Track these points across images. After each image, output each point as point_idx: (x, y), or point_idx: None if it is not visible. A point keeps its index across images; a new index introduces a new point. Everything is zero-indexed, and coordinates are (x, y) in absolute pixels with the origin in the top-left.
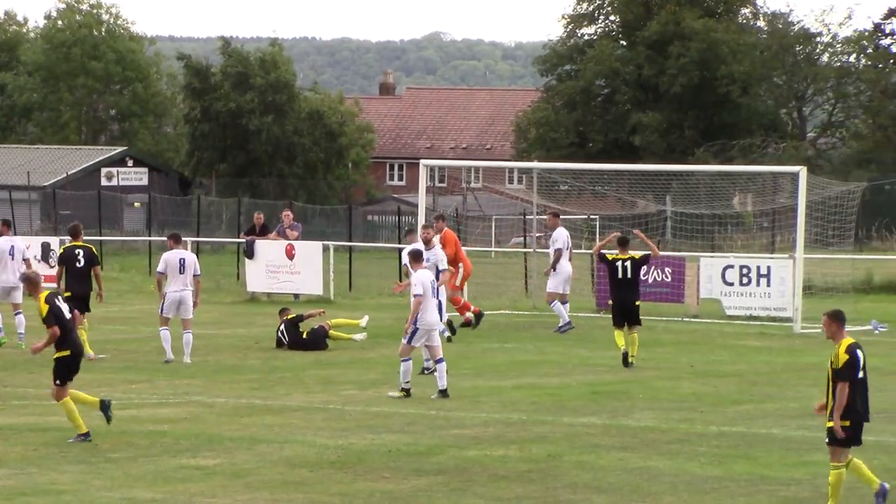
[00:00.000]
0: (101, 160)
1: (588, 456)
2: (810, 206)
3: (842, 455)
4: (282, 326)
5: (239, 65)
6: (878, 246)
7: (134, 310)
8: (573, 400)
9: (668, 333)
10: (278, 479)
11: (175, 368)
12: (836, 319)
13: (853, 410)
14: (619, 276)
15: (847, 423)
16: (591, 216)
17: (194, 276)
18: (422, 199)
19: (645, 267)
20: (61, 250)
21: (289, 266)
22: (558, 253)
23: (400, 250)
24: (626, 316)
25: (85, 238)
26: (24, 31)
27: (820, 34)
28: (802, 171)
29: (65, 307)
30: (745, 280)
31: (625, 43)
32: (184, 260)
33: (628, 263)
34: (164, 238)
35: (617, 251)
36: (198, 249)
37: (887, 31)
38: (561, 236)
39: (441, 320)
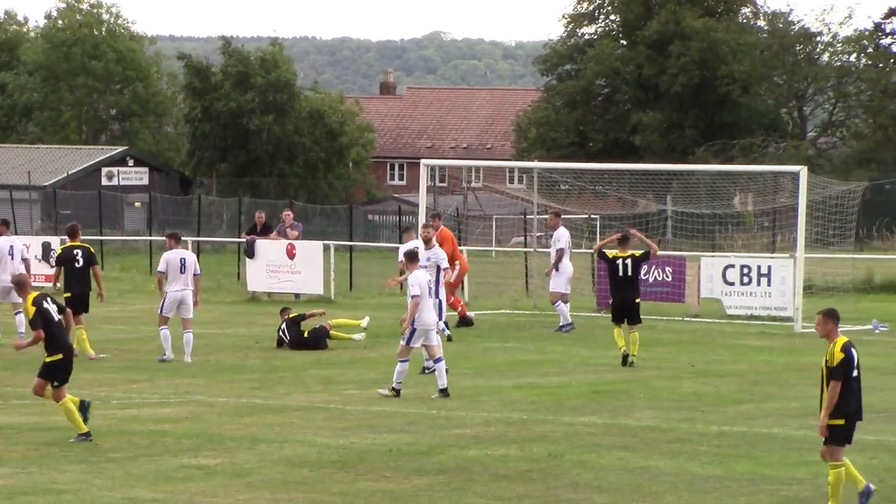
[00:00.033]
0: (102, 160)
1: (589, 455)
2: (811, 205)
3: (840, 454)
4: (283, 325)
5: (239, 64)
6: (879, 245)
7: (135, 309)
8: (574, 399)
9: (668, 333)
10: (279, 479)
11: (176, 368)
12: (831, 318)
13: (848, 409)
14: (620, 273)
15: (842, 422)
16: (592, 216)
17: (194, 275)
18: (422, 199)
19: (645, 266)
20: (59, 251)
21: (289, 266)
22: (560, 253)
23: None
24: (626, 314)
25: (86, 238)
26: (25, 30)
27: (820, 34)
28: (803, 170)
29: (53, 309)
30: (745, 279)
31: (625, 42)
32: (184, 259)
33: (629, 261)
34: (165, 238)
35: (617, 250)
36: (198, 249)
37: (887, 31)
38: (563, 236)
39: (441, 320)
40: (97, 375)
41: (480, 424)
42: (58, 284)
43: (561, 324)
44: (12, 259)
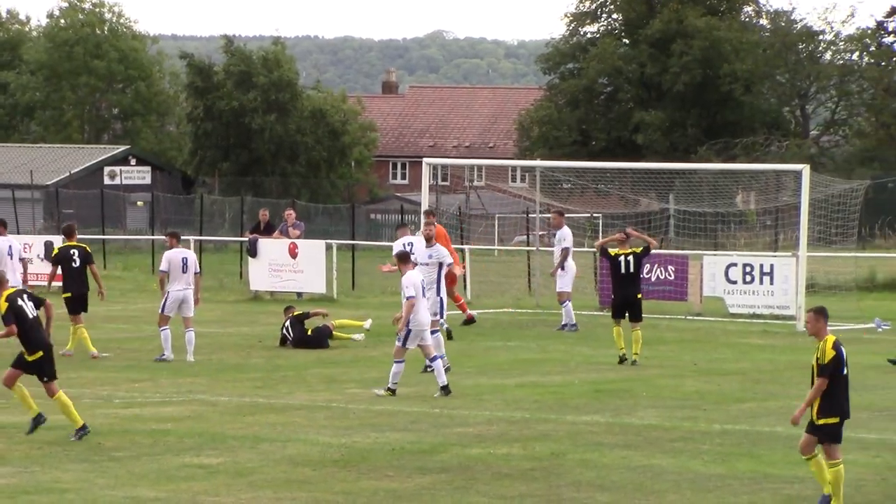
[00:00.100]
0: (104, 159)
1: (591, 454)
2: (813, 204)
3: (838, 452)
4: (287, 323)
5: (242, 63)
6: (882, 244)
7: (137, 308)
8: (576, 398)
9: (671, 331)
10: (282, 478)
11: (178, 367)
12: (823, 316)
13: (841, 408)
14: (622, 270)
15: (836, 420)
16: (594, 214)
17: (195, 274)
18: (425, 198)
19: (646, 263)
20: (56, 250)
21: (292, 265)
22: (566, 252)
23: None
24: (628, 309)
25: (88, 237)
26: (27, 29)
27: (823, 32)
28: (805, 169)
29: (29, 306)
30: (748, 278)
31: (627, 41)
32: (186, 259)
33: (630, 258)
34: (165, 237)
35: (618, 248)
36: (201, 248)
37: (890, 29)
38: (568, 235)
39: (442, 318)
40: (100, 374)
41: (483, 423)
42: (53, 283)
43: (564, 322)
44: (11, 259)
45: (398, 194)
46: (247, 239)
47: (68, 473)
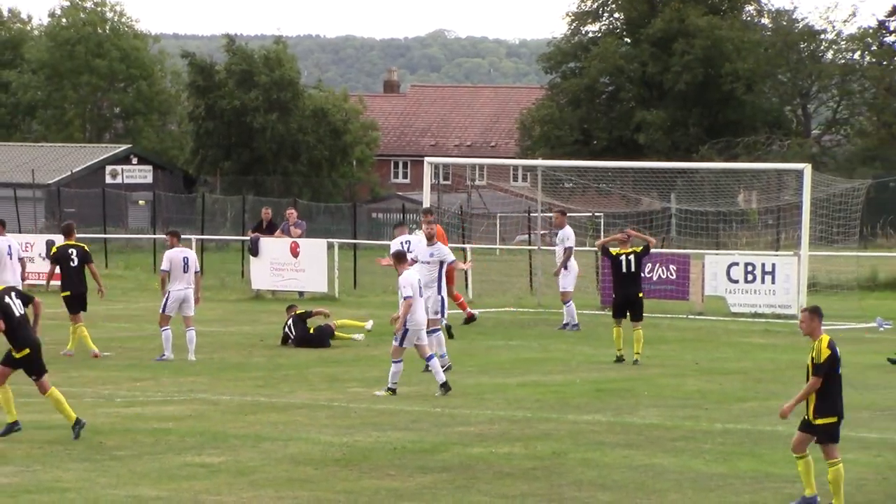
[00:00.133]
0: (106, 158)
1: (593, 453)
2: (815, 203)
3: (836, 451)
4: (289, 321)
5: (243, 62)
6: (883, 243)
7: (138, 307)
8: (578, 397)
9: (672, 331)
10: (283, 477)
11: (179, 366)
12: (817, 315)
13: (837, 407)
14: (624, 270)
15: (835, 420)
16: (596, 214)
17: (195, 273)
18: (426, 197)
19: (648, 262)
20: (54, 249)
21: (293, 263)
22: (570, 251)
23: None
24: (629, 309)
25: (90, 236)
26: (29, 28)
27: (824, 31)
28: (807, 168)
29: (17, 304)
30: (749, 277)
31: (629, 40)
32: (187, 258)
33: (632, 257)
34: (166, 236)
35: (619, 247)
36: (202, 247)
37: (892, 28)
38: (571, 234)
39: (443, 316)
40: (101, 373)
41: (484, 422)
42: (51, 282)
43: (565, 322)
44: (11, 259)
45: (400, 193)
46: (248, 238)
47: (70, 472)
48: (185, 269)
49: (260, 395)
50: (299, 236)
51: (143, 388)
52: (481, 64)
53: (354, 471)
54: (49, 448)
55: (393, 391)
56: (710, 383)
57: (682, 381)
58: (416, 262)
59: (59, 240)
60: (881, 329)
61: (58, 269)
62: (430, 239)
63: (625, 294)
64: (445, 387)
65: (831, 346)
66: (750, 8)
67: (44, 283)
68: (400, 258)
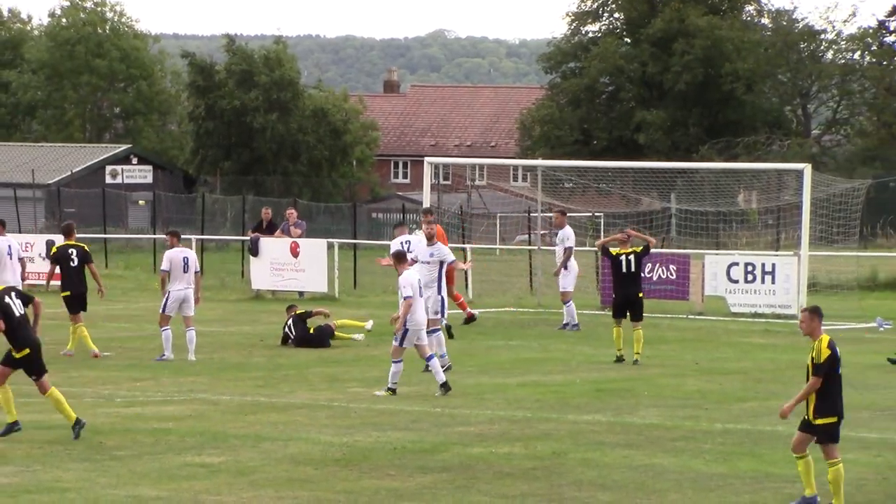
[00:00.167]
0: (106, 158)
1: (593, 453)
2: (815, 203)
3: (836, 451)
4: (289, 321)
5: (243, 62)
6: (883, 243)
7: (139, 307)
8: (578, 397)
9: (672, 331)
10: (283, 477)
11: (179, 366)
12: (817, 315)
13: (837, 407)
14: (624, 269)
15: (835, 420)
16: (596, 214)
17: (195, 273)
18: (426, 197)
19: (648, 262)
20: (54, 249)
21: (293, 264)
22: (570, 251)
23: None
24: (629, 309)
25: (90, 236)
26: (29, 28)
27: (824, 31)
28: (807, 168)
29: (17, 304)
30: (749, 277)
31: (629, 40)
32: (187, 258)
33: (632, 257)
34: (166, 236)
35: (619, 247)
36: (202, 247)
37: (892, 28)
38: (571, 234)
39: (443, 316)
40: (101, 373)
41: (484, 422)
42: (51, 283)
43: (565, 322)
44: (11, 259)
45: (400, 193)
46: (249, 238)
47: (70, 472)
48: (185, 269)
49: (260, 395)
50: (299, 236)
51: (143, 388)
52: (481, 64)
53: (354, 471)
54: (49, 448)
55: (393, 391)
56: (710, 383)
57: (682, 381)
58: (415, 261)
59: (60, 240)
60: (881, 329)
61: (58, 270)
62: (430, 239)
63: (625, 294)
64: (445, 387)
65: (831, 346)
66: (750, 8)
67: (44, 283)
68: (400, 258)
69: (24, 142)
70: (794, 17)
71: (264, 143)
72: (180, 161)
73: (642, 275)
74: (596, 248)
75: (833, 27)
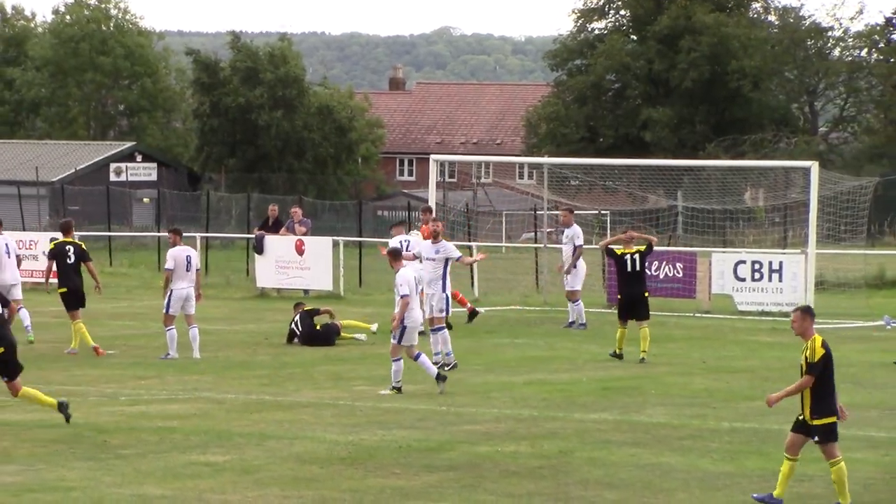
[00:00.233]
0: (110, 155)
1: (599, 452)
2: (822, 201)
3: (836, 450)
4: (296, 318)
5: (248, 60)
6: (891, 241)
7: (143, 305)
8: (584, 396)
9: (679, 329)
10: (288, 476)
11: (184, 364)
12: (809, 315)
13: (833, 406)
14: (629, 269)
15: (833, 419)
16: (602, 211)
17: (196, 270)
18: (432, 195)
19: (653, 260)
20: (52, 245)
21: (298, 262)
22: (580, 250)
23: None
24: (634, 308)
25: (94, 234)
26: (32, 26)
27: (831, 28)
28: (814, 165)
29: None
30: (757, 275)
31: (635, 38)
32: (190, 257)
33: (636, 257)
34: (168, 234)
35: (622, 247)
36: (207, 245)
37: None
38: (580, 233)
39: (447, 314)
40: (105, 372)
41: (491, 421)
42: (50, 279)
43: (571, 320)
44: (9, 257)
45: (405, 191)
46: (254, 235)
47: (74, 471)
48: (188, 267)
49: (265, 393)
50: (304, 234)
51: (147, 387)
52: (487, 61)
53: (360, 469)
54: (53, 447)
55: (398, 389)
56: (717, 382)
57: (689, 380)
58: (417, 258)
59: (59, 237)
60: (889, 327)
61: (55, 267)
62: (436, 236)
63: (629, 293)
64: (441, 377)
65: (825, 345)
66: (757, 5)
67: (44, 279)
68: (395, 255)
69: (28, 139)
70: (800, 14)
71: (269, 140)
72: (185, 158)
73: (648, 273)
74: (599, 247)
75: (840, 24)
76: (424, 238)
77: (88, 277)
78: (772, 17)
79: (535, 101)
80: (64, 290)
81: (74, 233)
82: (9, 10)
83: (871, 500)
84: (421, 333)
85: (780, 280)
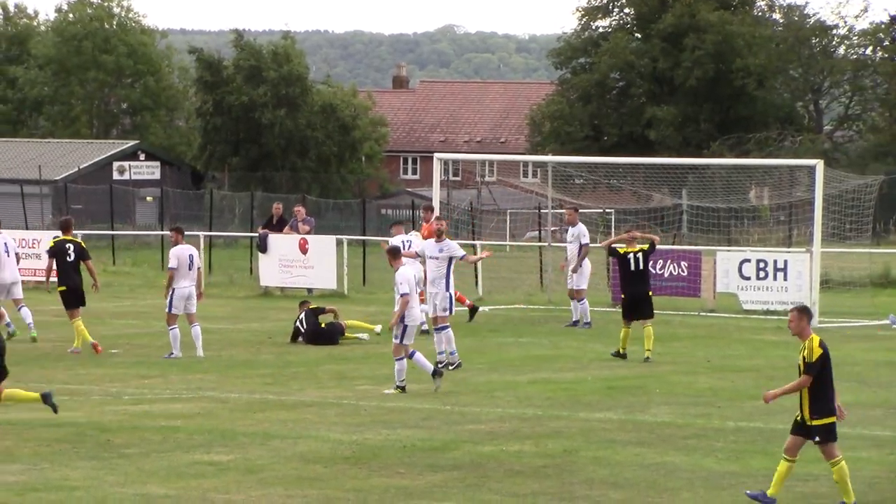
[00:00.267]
0: (113, 154)
1: (604, 451)
2: (827, 199)
3: (836, 449)
4: (301, 316)
5: (251, 58)
6: None
7: (146, 304)
8: (589, 395)
9: (684, 328)
10: (292, 475)
11: (188, 363)
12: (806, 315)
13: (831, 406)
14: (632, 268)
15: (833, 419)
16: (607, 210)
17: (197, 268)
18: (436, 193)
19: (657, 259)
20: (52, 243)
21: (302, 260)
22: (587, 248)
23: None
24: (638, 308)
25: (97, 233)
26: (35, 24)
27: (836, 26)
28: (819, 164)
29: None
30: (761, 274)
31: (639, 35)
32: (192, 255)
33: (640, 255)
34: (171, 232)
35: (626, 246)
36: (210, 244)
37: None
38: (585, 231)
39: (451, 313)
40: (108, 371)
41: (495, 420)
42: (51, 278)
43: (575, 319)
44: (8, 256)
45: (409, 189)
46: (258, 234)
47: (77, 471)
48: (190, 266)
49: (269, 392)
50: (308, 233)
51: (151, 386)
52: (491, 59)
53: (364, 469)
54: (57, 446)
55: (402, 389)
56: (722, 381)
57: (693, 379)
58: (419, 256)
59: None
60: (894, 326)
61: (55, 265)
62: (440, 235)
63: (633, 293)
64: (437, 373)
65: (822, 345)
66: (761, 3)
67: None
68: (395, 254)
69: (31, 138)
70: (805, 12)
71: (272, 138)
72: (188, 157)
73: (652, 272)
74: (602, 246)
75: (845, 22)
76: (425, 237)
77: (88, 276)
78: (776, 15)
79: (539, 100)
80: (63, 288)
81: (74, 231)
82: (12, 8)
83: (877, 498)
84: (424, 332)
85: (785, 279)
